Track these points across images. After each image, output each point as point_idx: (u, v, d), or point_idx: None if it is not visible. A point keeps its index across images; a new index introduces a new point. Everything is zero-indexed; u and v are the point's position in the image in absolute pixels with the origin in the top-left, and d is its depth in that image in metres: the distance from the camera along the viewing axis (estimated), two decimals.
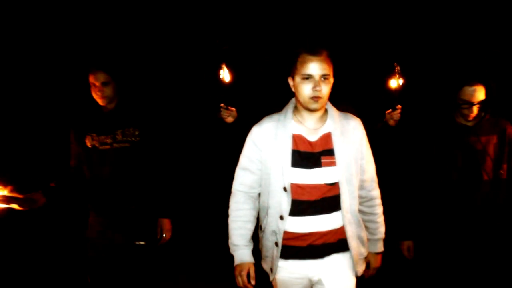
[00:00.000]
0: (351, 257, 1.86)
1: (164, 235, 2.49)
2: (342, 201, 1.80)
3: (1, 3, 3.48)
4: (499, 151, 2.37)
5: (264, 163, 1.85)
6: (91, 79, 2.38)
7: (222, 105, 2.55)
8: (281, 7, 3.74)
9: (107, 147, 2.40)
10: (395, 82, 2.51)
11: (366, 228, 1.97)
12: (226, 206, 1.93)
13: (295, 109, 1.88)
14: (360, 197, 1.92)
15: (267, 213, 1.86)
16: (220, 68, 2.46)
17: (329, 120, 1.85)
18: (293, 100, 1.91)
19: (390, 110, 2.56)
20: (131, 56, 3.79)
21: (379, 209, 1.98)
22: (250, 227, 1.90)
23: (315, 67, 1.73)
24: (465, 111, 2.35)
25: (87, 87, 2.41)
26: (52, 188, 2.37)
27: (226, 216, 1.92)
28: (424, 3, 3.58)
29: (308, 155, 1.80)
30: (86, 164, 2.45)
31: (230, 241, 1.90)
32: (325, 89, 1.75)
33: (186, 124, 3.73)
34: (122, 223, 2.40)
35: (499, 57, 3.41)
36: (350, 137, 1.83)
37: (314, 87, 1.73)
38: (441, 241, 2.41)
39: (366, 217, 1.97)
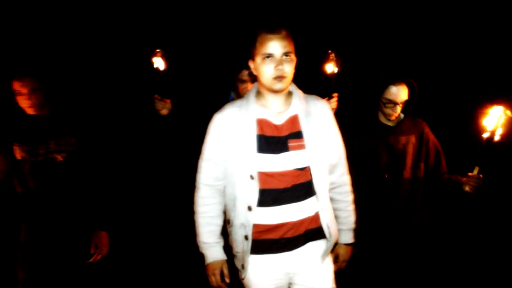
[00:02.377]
0: (328, 244, 1.79)
1: (101, 249, 2.30)
2: (315, 186, 1.74)
3: None
4: (418, 151, 2.47)
5: (228, 151, 1.75)
6: (16, 86, 2.18)
7: (156, 96, 2.41)
8: None
9: (40, 158, 2.24)
10: (330, 68, 2.51)
11: (336, 217, 1.90)
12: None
13: (258, 93, 1.80)
14: (331, 182, 1.86)
15: (234, 205, 1.76)
16: (154, 55, 2.32)
17: (294, 102, 1.78)
18: (255, 84, 1.83)
19: (327, 98, 2.56)
20: (60, 57, 3.50)
21: (350, 196, 1.93)
22: (219, 222, 1.83)
23: (275, 45, 1.66)
24: (389, 111, 2.44)
25: (10, 93, 2.21)
26: None
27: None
28: None
29: (274, 140, 1.72)
30: (16, 177, 2.27)
31: (198, 239, 1.82)
32: (288, 68, 1.69)
33: (123, 122, 3.51)
34: (62, 239, 2.24)
35: (423, 58, 3.59)
36: (317, 119, 1.78)
37: (276, 66, 1.67)
38: (369, 237, 2.45)
39: (336, 205, 1.91)
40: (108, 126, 2.58)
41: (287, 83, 1.72)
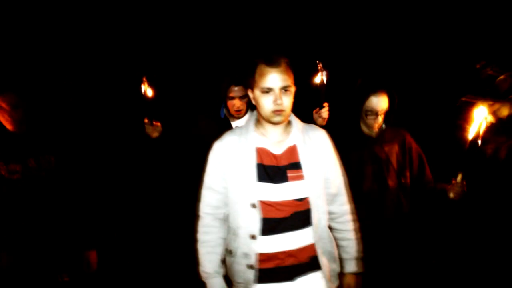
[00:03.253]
0: (324, 274, 1.78)
1: (91, 268, 2.32)
2: (312, 216, 1.73)
3: None
4: (401, 159, 2.48)
5: (229, 179, 1.75)
6: None
7: (146, 120, 2.41)
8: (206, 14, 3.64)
9: (17, 176, 2.17)
10: (319, 79, 2.52)
11: (340, 246, 1.88)
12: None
13: (257, 121, 1.79)
14: (331, 212, 1.85)
15: (236, 234, 1.76)
16: (142, 82, 2.32)
17: (293, 132, 1.77)
18: (254, 112, 1.82)
19: (318, 108, 2.58)
20: (42, 74, 3.45)
21: (351, 225, 1.89)
22: (219, 251, 1.83)
23: (275, 80, 1.64)
24: (370, 121, 2.42)
25: None
26: None
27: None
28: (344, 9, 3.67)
29: (274, 169, 1.71)
30: None
31: (200, 268, 1.82)
32: (287, 101, 1.67)
33: (111, 143, 3.50)
34: (40, 260, 2.21)
35: (403, 66, 3.60)
36: (316, 149, 1.76)
37: (275, 101, 1.65)
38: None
39: (338, 235, 1.89)
40: (89, 148, 2.55)
41: (286, 116, 1.70)
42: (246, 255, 1.74)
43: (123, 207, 3.55)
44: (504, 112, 2.64)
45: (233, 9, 3.62)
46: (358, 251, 1.90)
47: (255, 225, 1.71)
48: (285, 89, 1.66)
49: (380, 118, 2.42)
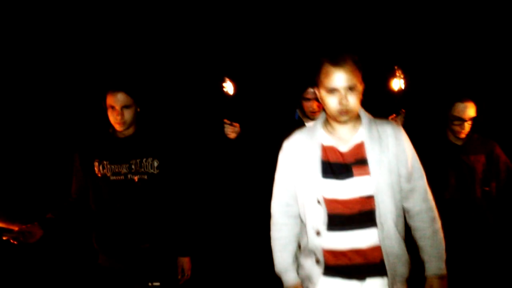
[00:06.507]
0: (389, 279, 1.70)
1: (185, 275, 2.32)
2: (377, 214, 1.67)
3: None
4: (487, 170, 2.42)
5: (296, 176, 1.77)
6: (110, 100, 2.13)
7: (225, 120, 2.45)
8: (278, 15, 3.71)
9: (121, 177, 2.15)
10: (397, 85, 2.49)
11: (420, 247, 1.78)
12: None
13: (326, 120, 1.78)
14: (407, 210, 1.77)
15: (305, 230, 1.78)
16: (223, 80, 2.39)
17: (362, 128, 1.73)
18: (323, 111, 1.81)
19: (394, 115, 2.54)
20: (153, 77, 3.53)
21: (430, 223, 1.76)
22: (292, 248, 1.85)
23: (340, 80, 1.61)
24: (457, 128, 2.40)
25: (98, 107, 2.20)
26: (50, 220, 2.14)
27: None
28: (427, 13, 3.58)
29: (339, 166, 1.69)
30: (93, 195, 2.20)
31: (275, 264, 1.86)
32: (353, 101, 1.63)
33: (195, 147, 3.52)
34: (134, 264, 2.17)
35: (490, 75, 3.43)
36: (386, 145, 1.69)
37: (340, 101, 1.62)
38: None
39: (417, 234, 1.78)
40: (187, 151, 2.55)
41: (352, 115, 1.68)
42: (312, 251, 1.74)
43: (206, 211, 3.57)
44: None
45: (313, 7, 3.64)
46: (439, 251, 1.76)
47: (320, 221, 1.70)
48: (350, 88, 1.63)
49: (468, 126, 2.38)
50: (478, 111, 2.42)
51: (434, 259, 1.76)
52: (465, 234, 2.38)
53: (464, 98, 2.41)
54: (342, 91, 1.62)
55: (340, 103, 1.63)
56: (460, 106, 2.40)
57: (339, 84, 1.62)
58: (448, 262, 2.28)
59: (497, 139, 2.55)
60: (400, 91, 2.49)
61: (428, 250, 1.76)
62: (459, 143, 2.49)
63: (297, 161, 1.77)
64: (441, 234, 1.78)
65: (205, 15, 3.71)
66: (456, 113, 2.41)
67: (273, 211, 1.88)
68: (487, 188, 2.41)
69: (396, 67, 2.51)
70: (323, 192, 1.70)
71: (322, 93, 1.68)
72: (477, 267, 2.41)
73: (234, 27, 3.70)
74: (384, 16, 3.60)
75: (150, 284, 2.20)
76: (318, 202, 1.71)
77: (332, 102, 1.65)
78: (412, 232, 1.79)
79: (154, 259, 2.21)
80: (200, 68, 3.65)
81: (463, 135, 2.43)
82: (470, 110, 2.40)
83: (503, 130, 2.92)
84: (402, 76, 2.48)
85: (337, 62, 1.62)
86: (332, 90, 1.64)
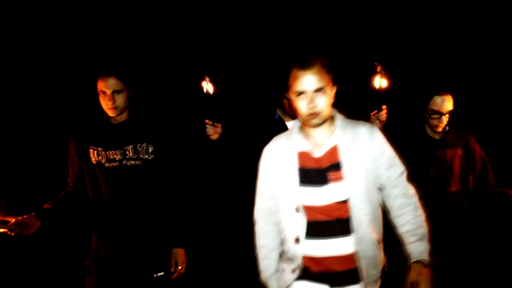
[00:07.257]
0: (363, 282, 1.70)
1: (179, 267, 2.24)
2: (353, 218, 1.65)
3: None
4: (464, 163, 2.46)
5: (276, 184, 1.77)
6: (101, 85, 2.10)
7: (207, 121, 2.40)
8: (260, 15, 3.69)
9: (115, 164, 2.14)
10: (378, 81, 2.49)
11: (402, 238, 1.70)
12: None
13: (302, 124, 1.78)
14: (391, 207, 1.74)
15: (285, 238, 1.78)
16: (203, 79, 2.35)
17: (336, 131, 1.72)
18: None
19: (375, 111, 2.53)
20: (145, 62, 3.46)
21: (415, 211, 1.71)
22: (276, 255, 1.85)
23: (307, 82, 1.62)
24: (434, 122, 2.44)
25: (92, 94, 2.16)
26: (47, 211, 2.11)
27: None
28: (405, 9, 3.60)
29: (315, 172, 1.69)
30: (89, 182, 2.18)
31: (260, 271, 1.87)
32: (322, 103, 1.63)
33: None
34: (135, 254, 2.14)
35: (467, 68, 3.46)
36: (360, 147, 1.68)
37: (308, 104, 1.63)
38: None
39: (401, 228, 1.71)
40: (181, 138, 2.51)
41: (322, 117, 1.67)
42: (291, 259, 1.75)
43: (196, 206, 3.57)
44: None
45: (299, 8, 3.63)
46: (422, 234, 1.67)
47: (300, 229, 1.70)
48: (319, 90, 1.63)
49: (444, 119, 2.41)
50: (454, 104, 2.44)
51: (415, 240, 1.67)
52: (443, 227, 2.38)
53: (441, 91, 2.43)
54: (310, 94, 1.63)
55: (309, 105, 1.64)
56: (438, 99, 2.43)
57: (306, 87, 1.63)
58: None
59: (471, 131, 2.59)
60: (381, 88, 2.48)
61: (406, 236, 1.69)
62: (436, 137, 2.52)
63: (276, 169, 1.78)
64: (421, 218, 1.72)
65: (186, 14, 3.69)
66: (434, 107, 2.44)
67: (256, 219, 1.88)
68: (465, 184, 2.45)
69: (376, 64, 2.51)
70: (302, 200, 1.71)
71: (292, 97, 1.69)
72: (456, 260, 2.44)
73: (216, 26, 3.68)
74: (364, 13, 3.62)
75: (155, 275, 2.18)
76: (297, 210, 1.71)
77: (301, 105, 1.66)
78: (397, 230, 1.74)
79: (156, 249, 2.19)
80: (181, 67, 3.63)
81: (440, 129, 2.46)
82: (447, 104, 2.42)
83: (477, 122, 2.94)
84: (383, 72, 2.48)
85: (303, 65, 1.63)
86: (300, 93, 1.65)
